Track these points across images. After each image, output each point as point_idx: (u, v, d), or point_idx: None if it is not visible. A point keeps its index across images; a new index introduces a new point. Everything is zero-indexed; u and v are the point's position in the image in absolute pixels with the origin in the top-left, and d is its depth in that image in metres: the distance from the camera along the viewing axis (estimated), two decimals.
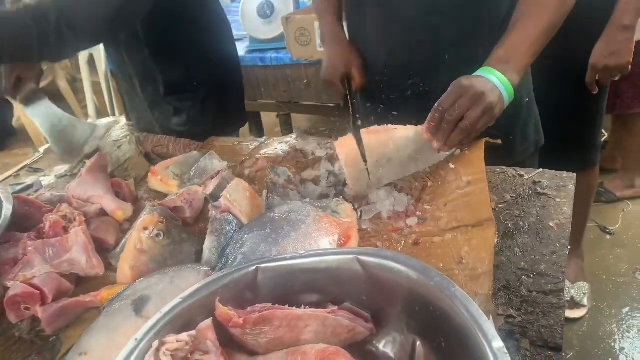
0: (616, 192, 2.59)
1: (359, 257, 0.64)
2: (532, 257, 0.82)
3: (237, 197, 0.97)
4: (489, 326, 0.51)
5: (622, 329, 1.95)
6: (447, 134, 0.92)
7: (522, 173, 1.03)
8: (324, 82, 1.31)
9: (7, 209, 0.99)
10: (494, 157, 1.02)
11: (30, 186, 1.31)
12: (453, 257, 0.80)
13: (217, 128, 1.47)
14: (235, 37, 2.70)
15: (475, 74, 0.96)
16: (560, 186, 0.97)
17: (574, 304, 2.02)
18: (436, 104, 0.94)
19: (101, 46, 2.85)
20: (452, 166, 0.98)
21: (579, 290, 2.05)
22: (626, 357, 1.84)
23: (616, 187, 2.60)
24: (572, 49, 1.72)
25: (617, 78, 1.68)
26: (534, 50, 1.00)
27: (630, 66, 1.65)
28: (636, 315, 2.00)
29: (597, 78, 1.69)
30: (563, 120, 1.79)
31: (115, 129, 1.46)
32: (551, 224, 0.89)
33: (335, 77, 1.26)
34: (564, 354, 0.67)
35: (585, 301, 2.04)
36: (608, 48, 1.62)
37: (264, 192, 1.03)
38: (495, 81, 0.93)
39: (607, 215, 2.52)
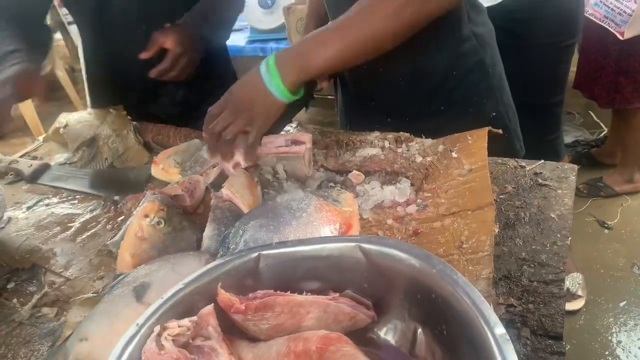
0: (615, 186, 2.59)
1: (361, 244, 0.64)
2: (533, 247, 0.83)
3: (238, 187, 0.97)
4: (491, 313, 0.51)
5: (619, 323, 1.96)
6: (214, 148, 0.95)
7: (524, 164, 1.03)
8: None
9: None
10: None
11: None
12: (453, 242, 0.80)
13: None
14: (235, 28, 2.69)
15: (259, 68, 0.91)
16: (561, 177, 0.97)
17: (570, 296, 2.03)
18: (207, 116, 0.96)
19: None
20: (454, 155, 0.98)
21: (572, 281, 2.06)
22: (623, 350, 1.85)
23: (615, 182, 2.60)
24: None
25: None
26: (342, 57, 0.89)
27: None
28: (633, 308, 2.01)
29: None
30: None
31: (112, 117, 1.45)
32: (552, 214, 0.89)
33: None
34: (564, 343, 0.67)
35: (580, 291, 2.05)
36: None
37: (258, 187, 1.02)
38: (271, 87, 0.89)
39: (606, 210, 2.53)
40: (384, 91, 1.21)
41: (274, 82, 0.89)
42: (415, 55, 1.10)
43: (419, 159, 1.02)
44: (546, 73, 1.83)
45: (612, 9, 2.08)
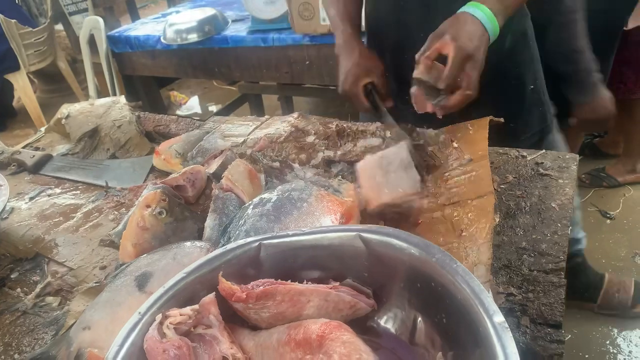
0: (618, 177, 2.58)
1: (361, 234, 0.64)
2: (534, 236, 0.83)
3: (238, 177, 0.97)
4: (490, 301, 0.51)
5: None
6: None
7: (525, 154, 1.03)
8: (343, 96, 1.14)
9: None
10: (496, 142, 1.02)
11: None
12: (453, 231, 0.80)
13: None
14: (237, 18, 2.68)
15: (463, 9, 0.94)
16: (562, 167, 0.97)
17: None
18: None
19: (102, 25, 2.82)
20: (455, 145, 0.98)
21: None
22: (624, 339, 1.86)
23: (618, 172, 2.59)
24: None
25: None
26: None
27: None
28: None
29: None
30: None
31: (114, 108, 1.45)
32: (553, 204, 0.89)
33: (356, 87, 1.11)
34: (563, 331, 0.67)
35: None
36: None
37: (262, 176, 1.02)
38: (481, 15, 0.92)
39: (608, 200, 2.52)
40: None
41: (491, 25, 0.93)
42: None
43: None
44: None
45: None
